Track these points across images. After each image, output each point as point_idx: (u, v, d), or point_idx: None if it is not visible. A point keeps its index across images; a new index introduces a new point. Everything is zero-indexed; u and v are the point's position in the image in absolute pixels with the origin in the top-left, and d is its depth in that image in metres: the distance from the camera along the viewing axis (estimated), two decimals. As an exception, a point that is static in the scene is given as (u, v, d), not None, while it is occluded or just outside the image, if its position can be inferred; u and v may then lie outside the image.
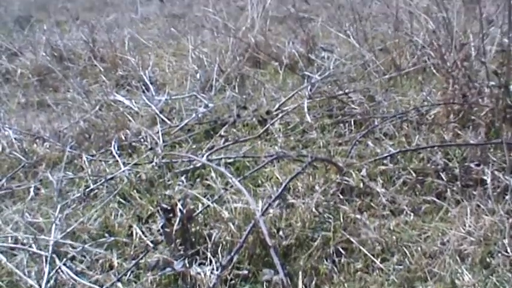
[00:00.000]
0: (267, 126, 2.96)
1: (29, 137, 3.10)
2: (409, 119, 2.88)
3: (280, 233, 2.16)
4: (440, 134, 2.73)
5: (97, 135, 3.11)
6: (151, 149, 2.79)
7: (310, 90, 3.19)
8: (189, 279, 1.98)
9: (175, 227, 2.08)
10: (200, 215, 2.29)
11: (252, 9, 7.20)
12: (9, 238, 2.35)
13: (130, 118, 3.39)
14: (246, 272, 2.00)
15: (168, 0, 12.95)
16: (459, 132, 2.74)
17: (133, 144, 3.00)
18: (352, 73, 4.20)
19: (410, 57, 4.37)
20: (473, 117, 2.80)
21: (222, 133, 3.02)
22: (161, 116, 3.32)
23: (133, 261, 2.12)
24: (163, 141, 2.94)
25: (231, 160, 2.73)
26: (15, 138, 3.00)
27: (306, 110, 3.09)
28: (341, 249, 2.12)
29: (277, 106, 3.28)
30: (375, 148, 2.62)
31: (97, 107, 3.50)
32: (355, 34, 5.78)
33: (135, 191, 2.62)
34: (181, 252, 2.07)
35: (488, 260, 2.01)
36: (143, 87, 4.24)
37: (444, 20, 3.55)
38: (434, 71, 3.77)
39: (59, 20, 10.63)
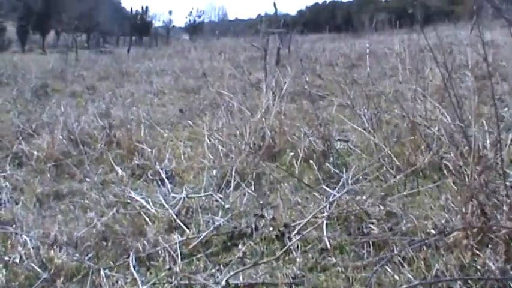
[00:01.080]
0: (286, 248, 2.92)
1: (46, 244, 3.08)
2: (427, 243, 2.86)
3: None
4: (460, 257, 2.70)
5: (114, 242, 3.10)
6: (169, 268, 2.77)
7: (329, 208, 3.15)
8: None
9: None
10: None
11: (267, 90, 7.32)
12: None
13: (148, 220, 3.38)
14: None
15: (183, 72, 13.17)
16: (478, 252, 2.71)
17: (151, 255, 2.97)
18: (367, 172, 4.22)
19: (425, 151, 4.38)
20: (491, 236, 2.78)
21: (240, 249, 2.99)
22: (178, 221, 3.30)
23: None
24: (181, 253, 2.92)
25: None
26: (32, 247, 2.99)
27: (324, 232, 3.05)
28: None
29: (295, 223, 3.25)
30: (394, 275, 2.59)
31: (114, 209, 3.48)
32: (369, 119, 5.86)
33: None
34: None
35: None
36: (159, 181, 4.25)
37: (461, 128, 3.54)
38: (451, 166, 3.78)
39: (75, 90, 10.80)
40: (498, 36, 18.45)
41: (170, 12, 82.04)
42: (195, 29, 62.81)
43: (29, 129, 5.98)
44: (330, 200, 3.08)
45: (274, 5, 15.18)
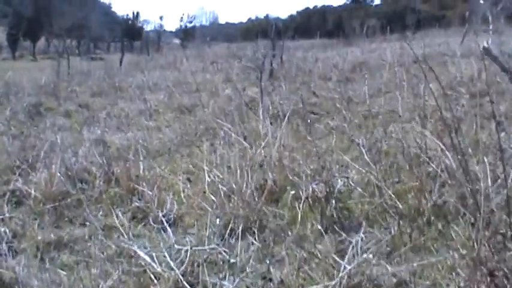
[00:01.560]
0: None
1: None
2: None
3: None
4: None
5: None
6: None
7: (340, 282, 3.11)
8: None
9: None
10: None
11: (264, 115, 7.31)
12: None
13: (154, 279, 3.34)
14: None
15: (176, 87, 13.12)
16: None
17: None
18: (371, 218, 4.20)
19: (427, 193, 4.35)
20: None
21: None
22: (185, 282, 3.26)
23: None
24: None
25: None
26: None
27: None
28: None
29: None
30: None
31: (119, 268, 3.44)
32: (368, 150, 5.85)
33: None
34: None
35: None
36: (161, 228, 4.21)
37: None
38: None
39: (68, 108, 10.74)
40: (492, 44, 18.53)
41: (161, 18, 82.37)
42: (186, 34, 62.81)
43: (25, 164, 5.91)
44: (341, 274, 3.04)
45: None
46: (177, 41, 68.91)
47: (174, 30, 76.19)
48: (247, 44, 39.84)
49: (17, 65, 41.73)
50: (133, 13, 65.05)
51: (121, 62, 19.58)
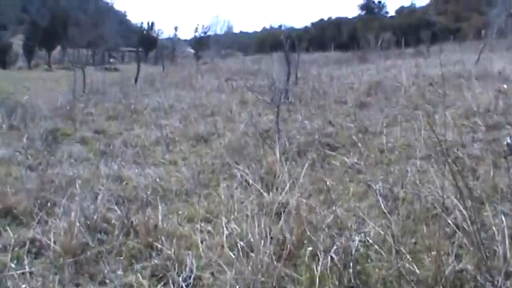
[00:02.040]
0: None
1: None
2: None
3: None
4: None
5: None
6: None
7: None
8: None
9: None
10: None
11: (280, 154, 7.34)
12: None
13: None
14: None
15: (192, 109, 13.17)
16: None
17: None
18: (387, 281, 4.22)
19: (446, 257, 4.34)
20: None
21: None
22: None
23: None
24: None
25: None
26: None
27: None
28: None
29: None
30: None
31: None
32: (385, 197, 5.88)
33: None
34: None
35: None
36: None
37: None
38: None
39: (84, 135, 10.81)
40: (507, 64, 18.48)
41: (176, 29, 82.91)
42: (200, 44, 63.10)
43: (43, 209, 5.96)
44: None
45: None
46: (191, 50, 69.28)
47: (188, 38, 76.55)
48: (262, 57, 39.99)
49: (32, 75, 42.09)
50: (148, 23, 65.40)
51: (136, 79, 19.66)
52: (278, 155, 7.55)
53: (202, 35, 66.87)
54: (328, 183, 6.39)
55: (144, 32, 65.36)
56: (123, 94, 17.33)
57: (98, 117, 13.16)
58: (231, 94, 17.36)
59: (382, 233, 4.89)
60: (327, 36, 55.56)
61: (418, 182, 6.51)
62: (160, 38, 68.13)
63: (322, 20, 66.67)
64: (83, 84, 19.01)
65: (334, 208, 5.42)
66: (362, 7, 71.61)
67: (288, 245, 4.64)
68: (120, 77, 36.28)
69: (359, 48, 39.62)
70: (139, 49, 50.00)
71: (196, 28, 69.44)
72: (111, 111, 13.66)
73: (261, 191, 5.95)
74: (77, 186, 6.15)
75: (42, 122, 11.82)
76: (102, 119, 12.89)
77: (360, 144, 8.54)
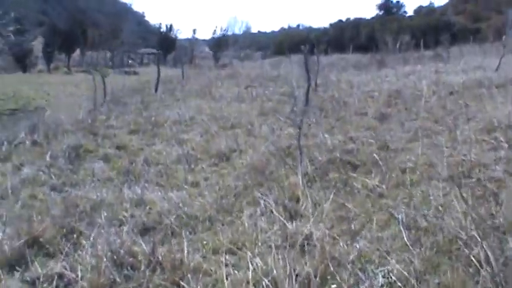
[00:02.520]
0: None
1: None
2: None
3: None
4: None
5: None
6: None
7: None
8: None
9: None
10: None
11: (303, 180, 7.38)
12: None
13: None
14: None
15: (212, 122, 13.21)
16: None
17: None
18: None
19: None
20: None
21: None
22: None
23: None
24: None
25: None
26: None
27: None
28: None
29: None
30: None
31: None
32: (407, 227, 5.91)
33: None
34: None
35: None
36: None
37: None
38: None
39: (107, 152, 10.90)
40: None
41: (194, 31, 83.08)
42: (219, 45, 63.17)
43: (69, 240, 6.04)
44: None
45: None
46: (209, 50, 69.51)
47: (206, 38, 76.76)
48: (281, 60, 40.03)
49: (52, 80, 42.41)
50: (166, 26, 65.62)
51: (156, 88, 19.77)
52: (300, 178, 7.60)
53: (220, 36, 67.01)
54: (350, 209, 6.44)
55: (163, 33, 65.57)
56: (144, 105, 17.44)
57: (120, 130, 13.24)
58: (251, 103, 17.41)
59: (405, 272, 4.90)
60: (346, 37, 55.51)
61: (440, 207, 6.52)
62: (178, 38, 68.44)
63: (340, 20, 66.65)
64: (103, 91, 19.10)
65: (357, 240, 5.45)
66: (380, 7, 71.39)
67: (312, 282, 4.69)
68: (139, 81, 36.49)
69: (377, 50, 39.55)
70: (159, 51, 50.21)
71: (215, 30, 69.53)
72: (133, 125, 13.74)
73: (284, 221, 6.01)
74: (102, 216, 6.23)
75: (65, 137, 11.91)
76: (123, 133, 12.97)
77: (381, 163, 8.56)
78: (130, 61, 61.99)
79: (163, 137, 12.28)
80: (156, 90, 19.68)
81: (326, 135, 11.11)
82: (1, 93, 33.51)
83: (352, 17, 66.46)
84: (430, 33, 47.21)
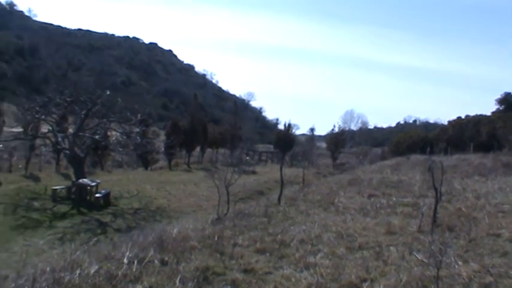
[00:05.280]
0: None
1: None
2: None
3: None
4: None
5: None
6: None
7: None
8: None
9: None
10: None
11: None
12: None
13: None
14: None
15: (337, 240, 12.97)
16: None
17: None
18: None
19: None
20: None
21: None
22: None
23: None
24: None
25: None
26: None
27: None
28: None
29: None
30: None
31: None
32: None
33: None
34: None
35: None
36: None
37: None
38: None
39: (235, 277, 10.83)
40: None
41: (312, 130, 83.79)
42: (336, 145, 63.22)
43: None
44: None
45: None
46: (325, 146, 69.94)
47: (322, 134, 77.70)
48: (400, 162, 39.59)
49: (173, 178, 43.82)
50: (284, 124, 66.42)
51: (279, 199, 19.85)
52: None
53: (338, 133, 67.25)
54: None
55: (281, 131, 66.51)
56: (268, 217, 17.51)
57: (245, 249, 13.22)
58: (375, 217, 17.12)
59: None
60: (466, 136, 54.25)
61: None
62: (295, 132, 69.40)
63: (459, 117, 65.08)
64: (226, 197, 19.36)
65: None
66: (500, 101, 69.15)
67: None
68: (257, 182, 36.79)
69: (500, 149, 38.38)
70: (276, 149, 50.91)
71: (333, 129, 69.90)
72: (259, 244, 13.70)
73: None
74: None
75: (192, 256, 12.01)
76: (249, 252, 12.91)
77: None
78: (247, 157, 62.92)
79: (290, 260, 12.12)
80: (279, 201, 19.75)
81: (460, 263, 10.63)
82: (126, 191, 34.94)
83: (471, 114, 64.89)
84: None
